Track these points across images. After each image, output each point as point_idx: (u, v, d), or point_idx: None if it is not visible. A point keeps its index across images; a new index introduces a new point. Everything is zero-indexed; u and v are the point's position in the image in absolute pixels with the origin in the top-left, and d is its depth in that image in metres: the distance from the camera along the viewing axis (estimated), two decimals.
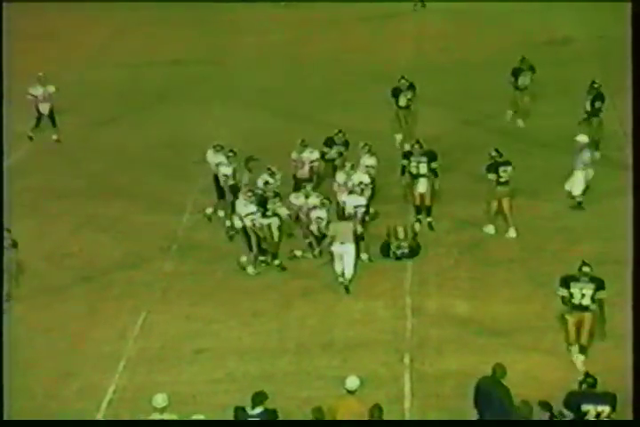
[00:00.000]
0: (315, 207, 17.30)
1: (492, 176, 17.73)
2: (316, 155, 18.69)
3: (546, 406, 11.90)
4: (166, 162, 21.42)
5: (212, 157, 18.64)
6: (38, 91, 22.04)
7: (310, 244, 17.57)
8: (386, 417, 12.20)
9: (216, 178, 18.52)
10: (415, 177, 18.03)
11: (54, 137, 22.36)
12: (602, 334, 14.41)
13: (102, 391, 14.25)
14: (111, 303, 16.41)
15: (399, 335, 15.27)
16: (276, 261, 17.16)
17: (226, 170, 18.28)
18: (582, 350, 14.32)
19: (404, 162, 18.17)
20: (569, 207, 18.70)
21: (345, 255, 16.54)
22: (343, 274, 16.63)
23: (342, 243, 16.58)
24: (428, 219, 18.10)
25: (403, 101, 21.12)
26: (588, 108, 20.36)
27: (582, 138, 18.34)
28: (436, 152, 18.19)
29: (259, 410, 12.00)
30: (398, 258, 17.26)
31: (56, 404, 14.03)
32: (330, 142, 19.45)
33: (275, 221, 17.02)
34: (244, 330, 15.63)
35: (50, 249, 17.40)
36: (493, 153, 17.80)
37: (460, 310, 15.87)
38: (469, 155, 20.44)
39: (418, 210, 18.15)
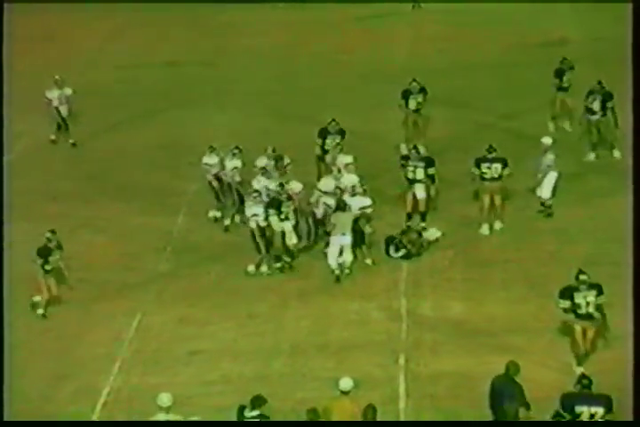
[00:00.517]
0: (326, 193, 17.20)
1: (474, 170, 17.87)
2: (286, 160, 18.40)
3: (527, 405, 11.91)
4: (162, 163, 21.42)
5: (208, 159, 18.64)
6: (54, 94, 22.02)
7: (309, 231, 17.50)
8: (381, 418, 12.19)
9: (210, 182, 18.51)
10: (412, 182, 17.93)
11: (54, 137, 22.28)
12: (605, 340, 14.30)
13: (97, 394, 14.24)
14: (106, 305, 16.41)
15: (394, 336, 15.27)
16: (277, 264, 17.12)
17: (236, 162, 18.25)
18: (586, 355, 14.20)
19: (403, 162, 18.08)
20: (562, 208, 18.68)
21: (344, 247, 16.68)
22: (340, 267, 16.72)
23: (343, 234, 16.67)
24: (422, 224, 17.97)
25: (412, 104, 20.87)
26: (597, 108, 20.13)
27: (547, 140, 18.17)
28: (434, 158, 18.11)
29: (254, 413, 12.04)
30: (397, 250, 17.24)
31: (51, 406, 14.02)
32: (324, 133, 19.31)
33: (288, 224, 16.99)
34: (239, 332, 15.63)
35: None
36: (485, 149, 17.82)
37: (455, 311, 15.87)
38: (466, 154, 20.41)
39: (409, 217, 17.92)
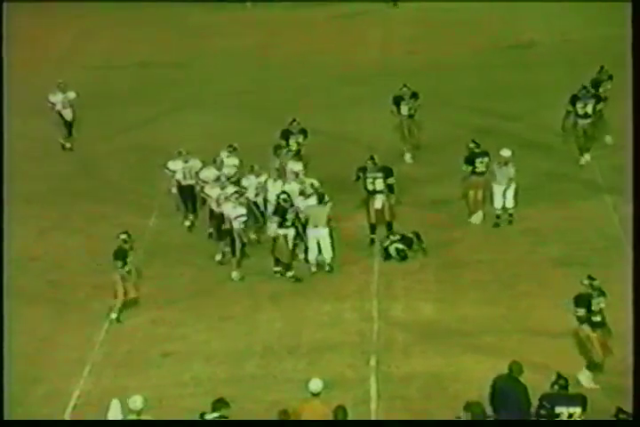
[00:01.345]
0: (302, 193, 17.12)
1: (465, 168, 17.93)
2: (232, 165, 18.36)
3: (477, 406, 11.83)
4: (133, 165, 21.37)
5: (173, 164, 18.45)
6: (57, 98, 21.96)
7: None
8: (352, 419, 12.20)
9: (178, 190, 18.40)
10: (372, 193, 17.61)
11: (67, 145, 22.23)
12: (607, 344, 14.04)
13: (67, 396, 14.19)
14: (77, 307, 16.35)
15: (366, 338, 15.29)
16: (290, 273, 16.96)
17: (233, 161, 18.14)
18: (596, 367, 13.94)
19: (359, 173, 17.70)
20: (533, 210, 18.72)
21: (320, 240, 16.69)
22: (316, 262, 16.76)
23: (315, 226, 16.68)
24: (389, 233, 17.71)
25: (404, 110, 20.56)
26: (591, 111, 19.82)
27: (506, 152, 18.01)
28: (391, 168, 17.86)
29: (214, 415, 12.04)
30: (397, 252, 17.28)
31: (22, 409, 13.90)
32: (286, 133, 19.11)
33: (291, 232, 16.89)
34: (212, 334, 15.62)
35: (15, 253, 17.25)
36: (471, 145, 17.88)
37: (427, 312, 15.91)
38: (438, 155, 20.48)
39: (372, 228, 17.73)
